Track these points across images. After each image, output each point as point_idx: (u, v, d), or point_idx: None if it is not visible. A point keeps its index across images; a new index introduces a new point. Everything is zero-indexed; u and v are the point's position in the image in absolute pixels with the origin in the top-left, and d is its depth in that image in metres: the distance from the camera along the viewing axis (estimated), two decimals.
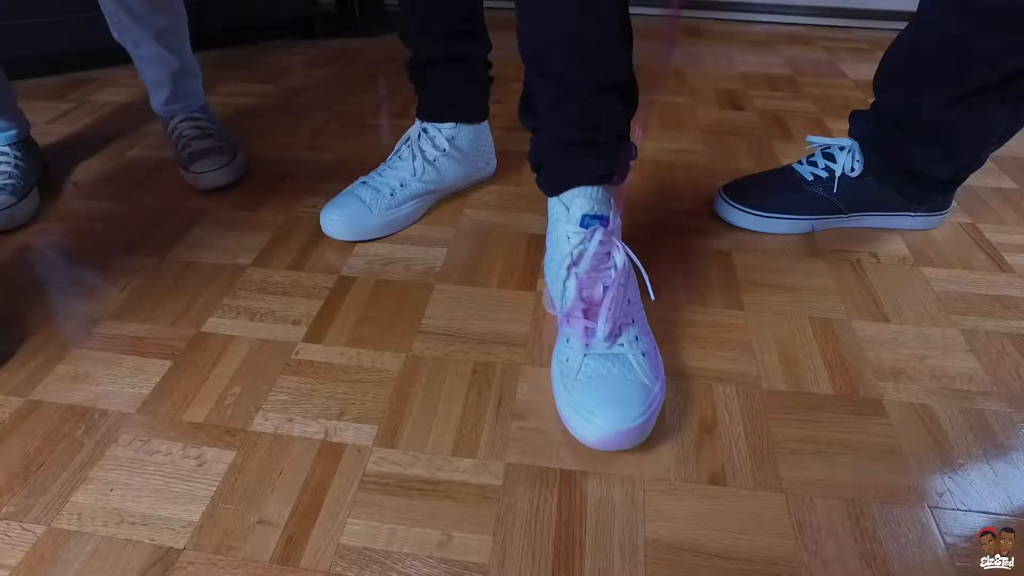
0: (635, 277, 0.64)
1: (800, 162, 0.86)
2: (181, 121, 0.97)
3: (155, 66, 0.94)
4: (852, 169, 0.82)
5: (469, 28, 0.83)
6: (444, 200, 0.91)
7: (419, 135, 0.86)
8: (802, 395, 0.61)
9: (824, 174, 0.83)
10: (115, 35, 0.92)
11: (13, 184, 0.86)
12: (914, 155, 0.78)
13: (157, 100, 0.98)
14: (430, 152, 0.86)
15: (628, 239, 0.77)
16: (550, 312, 0.63)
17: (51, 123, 1.14)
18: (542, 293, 0.66)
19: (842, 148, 0.83)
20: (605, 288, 0.60)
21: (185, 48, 0.96)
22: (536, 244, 0.82)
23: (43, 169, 0.97)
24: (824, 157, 0.84)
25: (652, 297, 0.61)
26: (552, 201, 0.67)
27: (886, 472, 0.54)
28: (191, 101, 0.99)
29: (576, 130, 0.63)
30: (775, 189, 0.85)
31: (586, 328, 0.58)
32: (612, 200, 0.64)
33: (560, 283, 0.63)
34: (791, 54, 1.51)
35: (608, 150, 0.64)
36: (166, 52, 0.93)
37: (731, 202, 0.85)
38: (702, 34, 1.65)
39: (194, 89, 1.00)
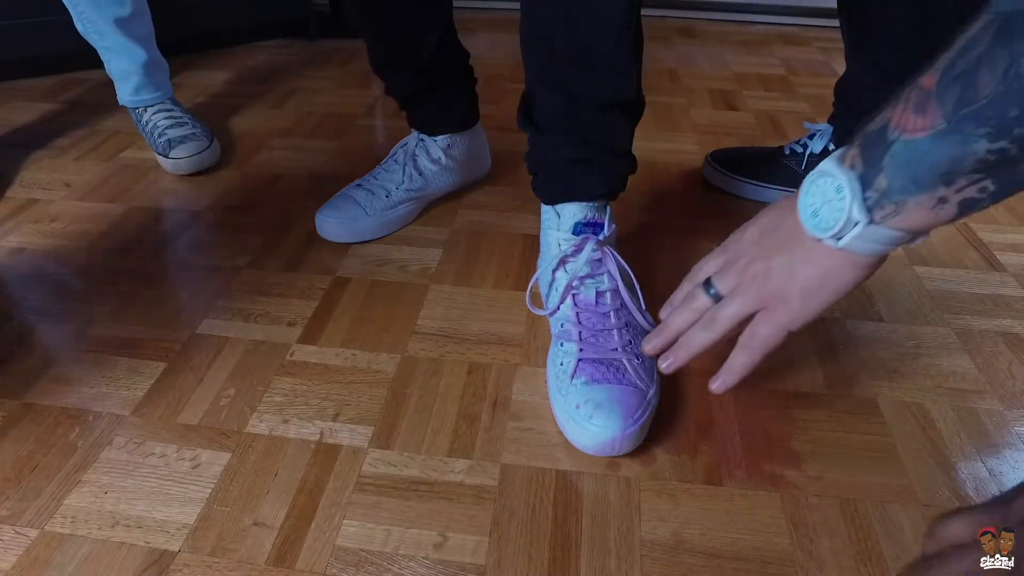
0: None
1: (793, 142, 0.92)
2: (155, 113, 0.99)
3: (121, 57, 0.96)
4: (823, 151, 0.87)
5: (445, 54, 0.79)
6: (439, 201, 0.91)
7: (416, 143, 0.86)
8: (797, 394, 0.62)
9: (800, 149, 0.90)
10: (79, 28, 0.94)
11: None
12: None
13: (125, 91, 0.99)
14: (424, 163, 0.85)
15: (622, 240, 0.77)
16: (533, 311, 0.63)
17: (45, 123, 1.14)
18: (529, 291, 0.65)
19: (820, 131, 0.89)
20: (599, 293, 0.60)
21: (152, 44, 0.98)
22: (531, 244, 0.82)
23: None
24: (809, 138, 0.90)
25: (642, 305, 0.61)
26: (545, 205, 0.66)
27: (881, 471, 0.55)
28: (161, 92, 1.01)
29: (578, 147, 0.61)
30: (754, 157, 0.93)
31: (579, 333, 0.58)
32: (608, 206, 0.63)
33: (549, 273, 0.62)
34: (785, 54, 1.52)
35: (609, 168, 0.62)
36: (132, 43, 0.95)
37: (712, 163, 0.95)
38: (696, 35, 1.65)
39: (163, 81, 1.02)
